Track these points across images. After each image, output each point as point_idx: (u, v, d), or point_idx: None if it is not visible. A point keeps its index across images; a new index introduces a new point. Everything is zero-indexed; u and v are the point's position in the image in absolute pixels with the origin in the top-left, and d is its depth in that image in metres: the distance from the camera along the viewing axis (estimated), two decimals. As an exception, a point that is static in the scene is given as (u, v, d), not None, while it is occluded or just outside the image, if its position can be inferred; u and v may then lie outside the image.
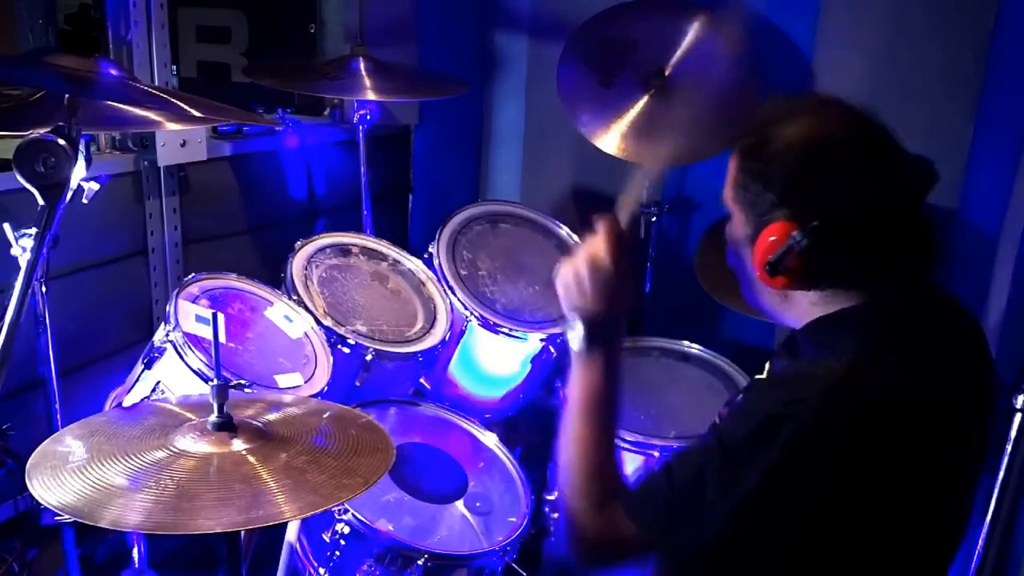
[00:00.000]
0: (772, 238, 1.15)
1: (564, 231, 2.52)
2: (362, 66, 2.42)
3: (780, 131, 1.17)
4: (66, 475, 1.14)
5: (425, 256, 2.32)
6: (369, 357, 2.01)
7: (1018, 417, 1.60)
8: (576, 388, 1.25)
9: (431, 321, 2.21)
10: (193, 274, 1.92)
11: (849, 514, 1.09)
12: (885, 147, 1.18)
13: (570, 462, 1.23)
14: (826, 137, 1.16)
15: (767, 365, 1.37)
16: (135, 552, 1.95)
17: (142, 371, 1.80)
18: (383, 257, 2.32)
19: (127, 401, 1.80)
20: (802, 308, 1.22)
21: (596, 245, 1.23)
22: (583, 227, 1.27)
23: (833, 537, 1.10)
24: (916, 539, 1.14)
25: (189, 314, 1.78)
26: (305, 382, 1.86)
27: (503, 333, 2.23)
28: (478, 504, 1.91)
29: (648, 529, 1.14)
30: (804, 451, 1.06)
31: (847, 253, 1.15)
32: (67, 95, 1.41)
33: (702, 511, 1.09)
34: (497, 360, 2.31)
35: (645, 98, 2.50)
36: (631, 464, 2.12)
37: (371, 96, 2.40)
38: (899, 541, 1.11)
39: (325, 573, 1.74)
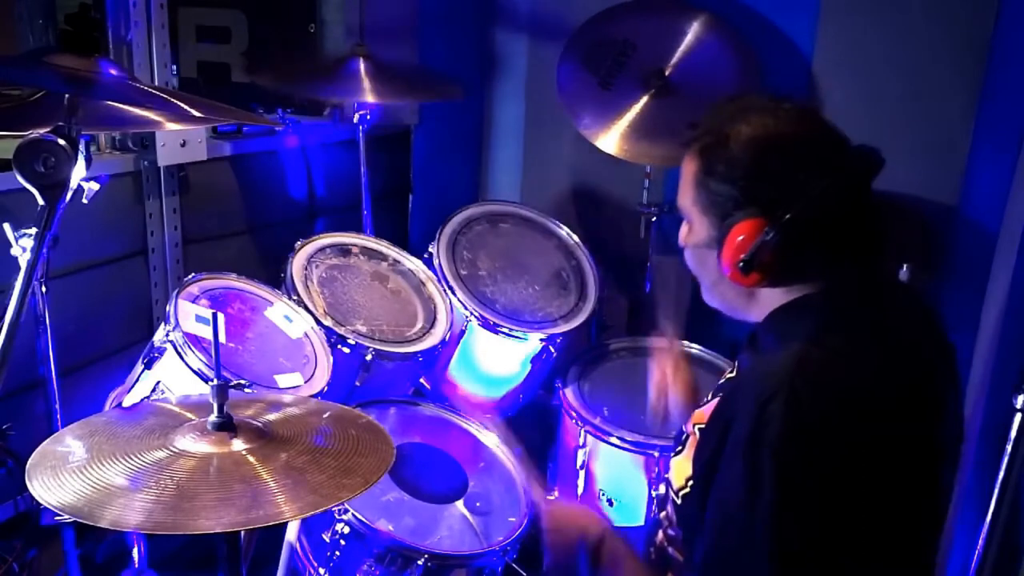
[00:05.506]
0: (741, 237, 1.17)
1: (564, 231, 2.52)
2: (362, 66, 2.42)
3: (737, 130, 1.20)
4: (66, 475, 1.14)
5: (425, 256, 2.32)
6: (369, 357, 2.01)
7: (1018, 417, 1.60)
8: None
9: (431, 321, 2.21)
10: (193, 274, 1.92)
11: (839, 496, 1.09)
12: (834, 139, 1.21)
13: None
14: (783, 133, 1.20)
15: (736, 362, 1.39)
16: (135, 552, 1.95)
17: (142, 371, 1.80)
18: (383, 257, 2.31)
19: (127, 401, 1.80)
20: (766, 303, 1.25)
21: None
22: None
23: (835, 521, 1.10)
24: (893, 519, 1.14)
25: (189, 314, 1.78)
26: (305, 382, 1.86)
27: (503, 333, 2.23)
28: (478, 504, 1.91)
29: None
30: (792, 444, 1.07)
31: (812, 243, 1.18)
32: (67, 95, 1.41)
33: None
34: (497, 360, 2.31)
35: (645, 98, 2.50)
36: (631, 464, 2.12)
37: (371, 98, 2.39)
38: (877, 522, 1.11)
39: (325, 573, 1.74)
